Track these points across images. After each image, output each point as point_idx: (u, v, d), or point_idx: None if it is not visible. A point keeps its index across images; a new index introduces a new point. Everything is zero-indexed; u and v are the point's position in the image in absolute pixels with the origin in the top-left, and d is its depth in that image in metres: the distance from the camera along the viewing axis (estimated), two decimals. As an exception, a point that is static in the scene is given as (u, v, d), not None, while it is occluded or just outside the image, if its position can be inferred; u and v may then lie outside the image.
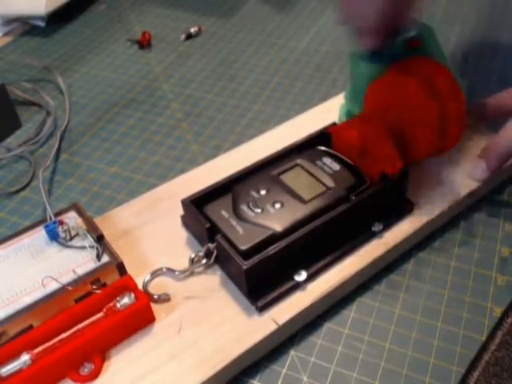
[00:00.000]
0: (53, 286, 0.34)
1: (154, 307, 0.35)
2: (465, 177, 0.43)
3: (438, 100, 0.40)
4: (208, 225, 0.37)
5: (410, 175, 0.41)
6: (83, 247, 0.37)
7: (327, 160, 0.41)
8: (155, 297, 0.36)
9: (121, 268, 0.36)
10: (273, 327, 0.34)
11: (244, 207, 0.38)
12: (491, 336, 0.35)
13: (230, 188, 0.40)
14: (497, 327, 0.36)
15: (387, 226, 0.40)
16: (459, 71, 0.43)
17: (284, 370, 0.35)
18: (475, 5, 0.70)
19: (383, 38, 0.39)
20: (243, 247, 0.35)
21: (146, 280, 0.37)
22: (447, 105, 0.40)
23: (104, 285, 0.36)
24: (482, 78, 0.57)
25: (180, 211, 0.41)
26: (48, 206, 0.40)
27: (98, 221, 0.40)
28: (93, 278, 0.35)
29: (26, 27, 0.74)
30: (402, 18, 0.39)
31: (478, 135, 0.47)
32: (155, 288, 0.37)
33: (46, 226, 0.37)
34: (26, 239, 0.38)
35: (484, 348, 0.35)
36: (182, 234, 0.41)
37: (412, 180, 0.43)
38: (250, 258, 0.34)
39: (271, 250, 0.35)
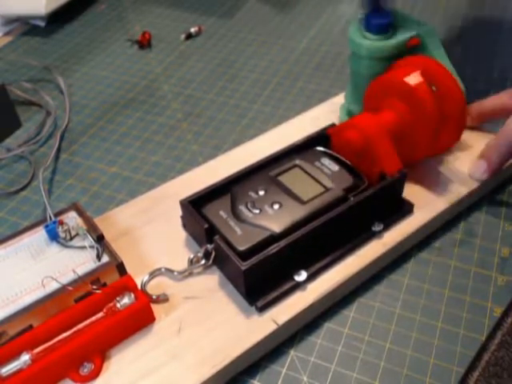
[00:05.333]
0: (53, 286, 0.34)
1: (154, 307, 0.35)
2: (465, 177, 0.43)
3: (438, 100, 0.40)
4: (206, 225, 0.37)
5: (410, 175, 0.41)
6: (83, 247, 0.37)
7: (326, 161, 0.41)
8: (153, 297, 0.36)
9: (121, 268, 0.36)
10: (273, 327, 0.34)
11: (242, 208, 0.38)
12: (491, 336, 0.35)
13: (228, 188, 0.40)
14: (497, 327, 0.36)
15: (387, 226, 0.40)
16: (459, 71, 0.43)
17: (284, 370, 0.35)
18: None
19: None
20: (241, 248, 0.35)
21: (144, 280, 0.37)
22: (447, 105, 0.40)
23: (104, 285, 0.36)
24: (482, 78, 0.57)
25: (180, 211, 0.41)
26: (48, 206, 0.40)
27: (97, 221, 0.40)
28: (93, 277, 0.35)
29: (26, 27, 0.74)
30: None
31: (478, 135, 0.47)
32: (154, 288, 0.37)
33: (46, 226, 0.37)
34: (26, 239, 0.38)
35: (484, 348, 0.35)
36: (182, 234, 0.41)
37: (412, 180, 0.43)
38: (248, 259, 0.34)
39: (270, 250, 0.35)
